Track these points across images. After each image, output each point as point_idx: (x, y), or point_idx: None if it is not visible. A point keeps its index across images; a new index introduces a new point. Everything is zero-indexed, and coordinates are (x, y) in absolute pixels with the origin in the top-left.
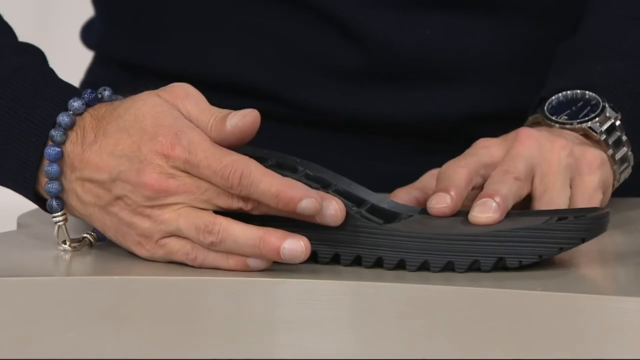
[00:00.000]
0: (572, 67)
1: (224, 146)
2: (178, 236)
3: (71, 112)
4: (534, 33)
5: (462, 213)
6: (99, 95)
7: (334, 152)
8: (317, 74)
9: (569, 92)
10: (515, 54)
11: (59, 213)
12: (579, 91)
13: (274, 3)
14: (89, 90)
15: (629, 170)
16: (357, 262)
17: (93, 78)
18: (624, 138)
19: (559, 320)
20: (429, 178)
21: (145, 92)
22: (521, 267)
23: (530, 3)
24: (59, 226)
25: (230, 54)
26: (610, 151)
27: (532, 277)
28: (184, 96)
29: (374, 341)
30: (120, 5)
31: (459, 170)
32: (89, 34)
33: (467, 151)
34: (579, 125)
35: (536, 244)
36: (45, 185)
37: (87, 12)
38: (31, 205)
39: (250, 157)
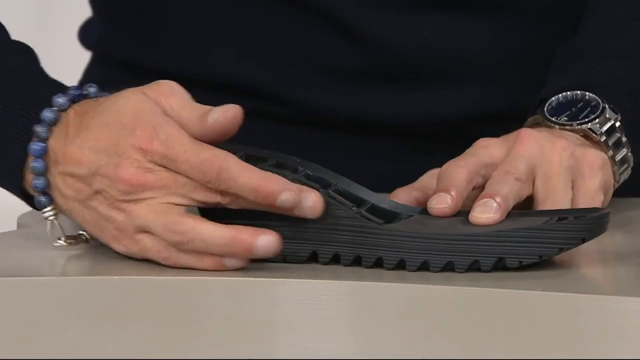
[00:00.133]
0: (572, 67)
1: (205, 141)
2: (151, 233)
3: (55, 108)
4: (534, 33)
5: (462, 213)
6: (85, 92)
7: (334, 152)
8: (317, 74)
9: (568, 93)
10: (515, 54)
11: (49, 208)
12: (578, 92)
13: (274, 3)
14: (74, 87)
15: (629, 171)
16: (357, 262)
17: (91, 78)
18: (624, 139)
19: (559, 320)
20: (428, 178)
21: (130, 89)
22: (521, 267)
23: (530, 3)
24: (50, 222)
25: (230, 54)
26: (610, 152)
27: (532, 277)
28: (169, 93)
29: (374, 341)
30: (119, 5)
31: (460, 170)
32: (87, 34)
33: (467, 151)
34: (579, 126)
35: (536, 244)
36: (32, 182)
37: (87, 12)
38: None
39: (251, 156)
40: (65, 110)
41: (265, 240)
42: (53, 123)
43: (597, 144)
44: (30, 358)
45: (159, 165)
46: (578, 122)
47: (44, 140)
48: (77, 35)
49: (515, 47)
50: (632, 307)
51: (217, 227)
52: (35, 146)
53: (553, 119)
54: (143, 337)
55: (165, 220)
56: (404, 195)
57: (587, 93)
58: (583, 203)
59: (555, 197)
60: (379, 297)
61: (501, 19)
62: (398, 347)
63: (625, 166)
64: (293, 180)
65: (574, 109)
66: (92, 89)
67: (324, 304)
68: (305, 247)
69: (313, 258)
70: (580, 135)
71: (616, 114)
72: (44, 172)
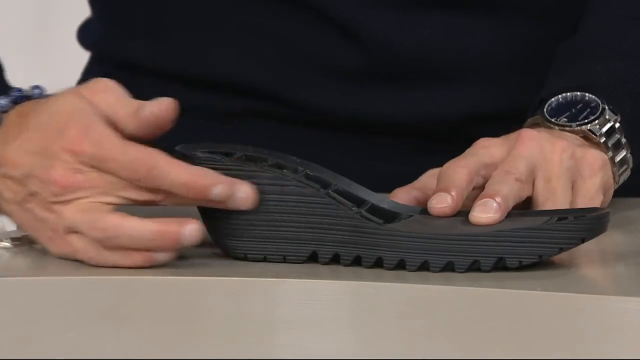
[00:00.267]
0: (572, 67)
1: (142, 136)
2: (81, 234)
3: None
4: (534, 33)
5: (462, 213)
6: (28, 94)
7: (334, 152)
8: (317, 74)
9: (568, 94)
10: (515, 54)
11: None
12: (578, 93)
13: (274, 3)
14: (17, 89)
15: (628, 172)
16: (357, 262)
17: (90, 78)
18: (624, 140)
19: (559, 320)
20: (428, 178)
21: (68, 89)
22: (521, 267)
23: (530, 3)
24: None
25: (230, 54)
26: (610, 154)
27: (532, 277)
28: (103, 89)
29: (374, 341)
30: (119, 5)
31: (460, 170)
32: (86, 34)
33: (467, 151)
34: (579, 127)
35: (536, 244)
36: None
37: (87, 12)
38: None
39: (251, 156)
40: (6, 111)
41: (191, 229)
42: None
43: (596, 145)
44: (30, 358)
45: (89, 166)
46: (577, 123)
47: None
48: (76, 35)
49: (515, 47)
50: (632, 307)
51: (143, 221)
52: None
53: (552, 120)
54: (143, 337)
55: (89, 218)
56: (403, 195)
57: (586, 94)
58: (582, 203)
59: (555, 198)
60: (379, 297)
61: (501, 19)
62: (398, 347)
63: (624, 167)
64: (293, 180)
65: (573, 109)
66: (36, 90)
67: (324, 304)
68: (305, 247)
69: (313, 258)
70: (580, 137)
71: (616, 115)
72: None
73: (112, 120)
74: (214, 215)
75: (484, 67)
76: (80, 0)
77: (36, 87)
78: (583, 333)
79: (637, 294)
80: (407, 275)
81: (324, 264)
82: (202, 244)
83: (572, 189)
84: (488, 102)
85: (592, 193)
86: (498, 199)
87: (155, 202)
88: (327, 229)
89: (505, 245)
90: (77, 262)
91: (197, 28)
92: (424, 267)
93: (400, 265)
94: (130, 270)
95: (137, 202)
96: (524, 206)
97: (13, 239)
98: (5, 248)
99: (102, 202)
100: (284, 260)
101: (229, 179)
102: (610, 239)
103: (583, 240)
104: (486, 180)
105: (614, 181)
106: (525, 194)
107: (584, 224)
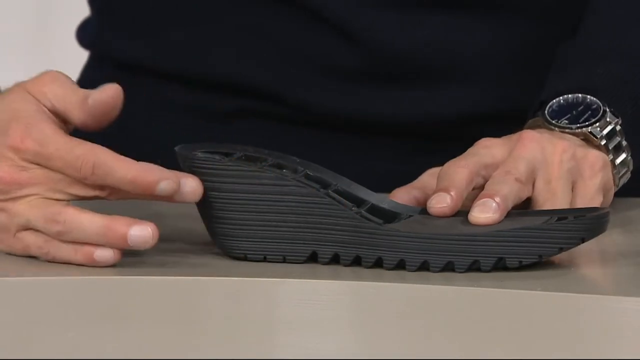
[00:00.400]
0: (572, 69)
1: (92, 125)
2: (33, 229)
3: None
4: (534, 33)
5: (462, 213)
6: None
7: (334, 152)
8: (317, 74)
9: (569, 95)
10: (515, 54)
11: None
12: (580, 95)
13: (274, 3)
14: None
15: (628, 175)
16: (357, 262)
17: (88, 78)
18: (624, 143)
19: (559, 320)
20: (428, 177)
21: (15, 85)
22: (521, 267)
23: (530, 3)
24: None
25: (230, 54)
26: (611, 156)
27: (532, 277)
28: (51, 81)
29: (374, 341)
30: (118, 4)
31: (460, 170)
32: (84, 34)
33: (468, 151)
34: (579, 130)
35: (536, 244)
36: None
37: (87, 12)
38: None
39: (251, 156)
40: None
41: (139, 230)
42: None
43: (597, 147)
44: (30, 358)
45: (33, 163)
46: (578, 125)
47: None
48: (75, 35)
49: (515, 47)
50: (632, 307)
51: (94, 215)
52: None
53: (554, 122)
54: (143, 337)
55: (45, 212)
56: (403, 195)
57: (588, 96)
58: (581, 204)
59: (554, 199)
60: (379, 297)
61: (501, 19)
62: (398, 347)
63: (625, 170)
64: (293, 180)
65: (574, 112)
66: None
67: (324, 304)
68: (305, 247)
69: (313, 258)
70: (581, 139)
71: (617, 117)
72: None
73: (62, 112)
74: (214, 216)
75: (484, 67)
76: (80, 0)
77: None
78: (583, 333)
79: (637, 294)
80: (407, 275)
81: (324, 264)
82: (202, 244)
83: (572, 190)
84: (488, 102)
85: (592, 194)
86: (497, 199)
87: (101, 198)
88: (327, 229)
89: (505, 245)
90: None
91: (197, 28)
92: (424, 267)
93: (400, 265)
94: (130, 270)
95: (84, 198)
96: (524, 207)
97: None
98: None
99: (50, 199)
100: (284, 260)
101: (174, 172)
102: (610, 239)
103: (583, 240)
104: (486, 180)
105: (614, 184)
106: (525, 194)
107: (583, 224)
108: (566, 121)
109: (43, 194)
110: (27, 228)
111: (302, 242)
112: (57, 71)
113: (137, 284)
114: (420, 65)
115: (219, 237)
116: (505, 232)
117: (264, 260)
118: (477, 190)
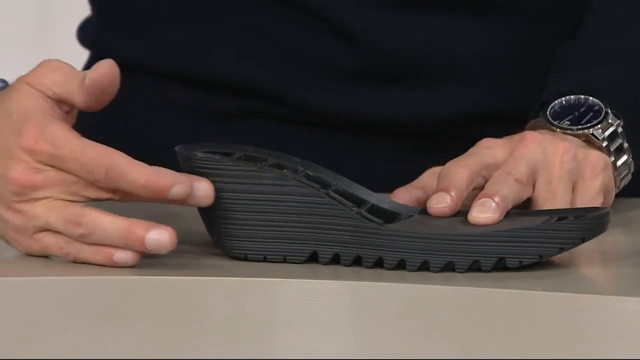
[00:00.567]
0: (573, 70)
1: (93, 105)
2: (52, 231)
3: None
4: (534, 33)
5: (462, 213)
6: None
7: (334, 152)
8: (317, 74)
9: (572, 97)
10: (515, 54)
11: None
12: (582, 96)
13: (274, 3)
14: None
15: (629, 177)
16: (357, 262)
17: None
18: (626, 145)
19: (559, 320)
20: (428, 177)
21: (17, 81)
22: (521, 267)
23: (530, 3)
24: None
25: (230, 54)
26: (612, 158)
27: (532, 277)
28: (50, 70)
29: (374, 341)
30: (119, 4)
31: (460, 170)
32: (85, 33)
33: (470, 150)
34: (581, 131)
35: (536, 244)
36: None
37: (87, 12)
38: None
39: (251, 156)
40: None
41: (157, 234)
42: None
43: (598, 149)
44: (30, 358)
45: (48, 165)
46: (580, 126)
47: None
48: (76, 34)
49: (515, 47)
50: (632, 307)
51: (115, 218)
52: None
53: (555, 123)
54: (143, 337)
55: (65, 214)
56: (404, 195)
57: (590, 97)
58: (582, 204)
59: (555, 200)
60: (379, 297)
61: (501, 19)
62: (398, 347)
63: (626, 172)
64: (293, 180)
65: (576, 113)
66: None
67: (324, 304)
68: (305, 247)
69: (313, 258)
70: (582, 140)
71: (618, 119)
72: None
73: (65, 98)
74: (214, 216)
75: (484, 67)
76: (80, 0)
77: (1, 80)
78: (583, 333)
79: (637, 294)
80: (407, 275)
81: (324, 264)
82: (202, 244)
83: (573, 191)
84: (488, 102)
85: (592, 195)
86: (497, 199)
87: (114, 200)
88: (327, 229)
89: (506, 245)
90: (77, 262)
91: (197, 28)
92: (424, 267)
93: (401, 265)
94: (130, 270)
95: (97, 200)
96: (524, 207)
97: None
98: None
99: (66, 201)
100: (284, 260)
101: (186, 176)
102: (610, 239)
103: (583, 240)
104: (487, 180)
105: (615, 185)
106: (525, 195)
107: (584, 224)
108: (568, 122)
109: (58, 196)
110: (46, 229)
111: (302, 242)
112: (54, 59)
113: (137, 284)
114: (420, 65)
115: (219, 237)
116: (506, 232)
117: (264, 260)
118: (478, 191)
